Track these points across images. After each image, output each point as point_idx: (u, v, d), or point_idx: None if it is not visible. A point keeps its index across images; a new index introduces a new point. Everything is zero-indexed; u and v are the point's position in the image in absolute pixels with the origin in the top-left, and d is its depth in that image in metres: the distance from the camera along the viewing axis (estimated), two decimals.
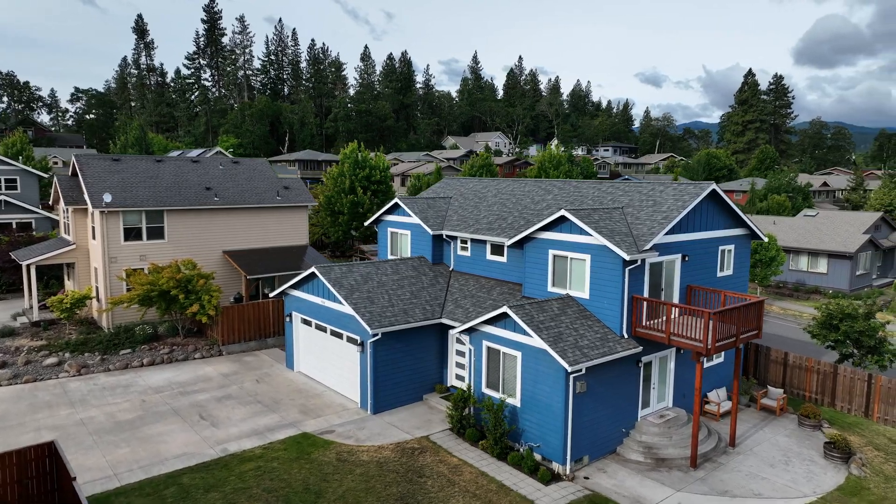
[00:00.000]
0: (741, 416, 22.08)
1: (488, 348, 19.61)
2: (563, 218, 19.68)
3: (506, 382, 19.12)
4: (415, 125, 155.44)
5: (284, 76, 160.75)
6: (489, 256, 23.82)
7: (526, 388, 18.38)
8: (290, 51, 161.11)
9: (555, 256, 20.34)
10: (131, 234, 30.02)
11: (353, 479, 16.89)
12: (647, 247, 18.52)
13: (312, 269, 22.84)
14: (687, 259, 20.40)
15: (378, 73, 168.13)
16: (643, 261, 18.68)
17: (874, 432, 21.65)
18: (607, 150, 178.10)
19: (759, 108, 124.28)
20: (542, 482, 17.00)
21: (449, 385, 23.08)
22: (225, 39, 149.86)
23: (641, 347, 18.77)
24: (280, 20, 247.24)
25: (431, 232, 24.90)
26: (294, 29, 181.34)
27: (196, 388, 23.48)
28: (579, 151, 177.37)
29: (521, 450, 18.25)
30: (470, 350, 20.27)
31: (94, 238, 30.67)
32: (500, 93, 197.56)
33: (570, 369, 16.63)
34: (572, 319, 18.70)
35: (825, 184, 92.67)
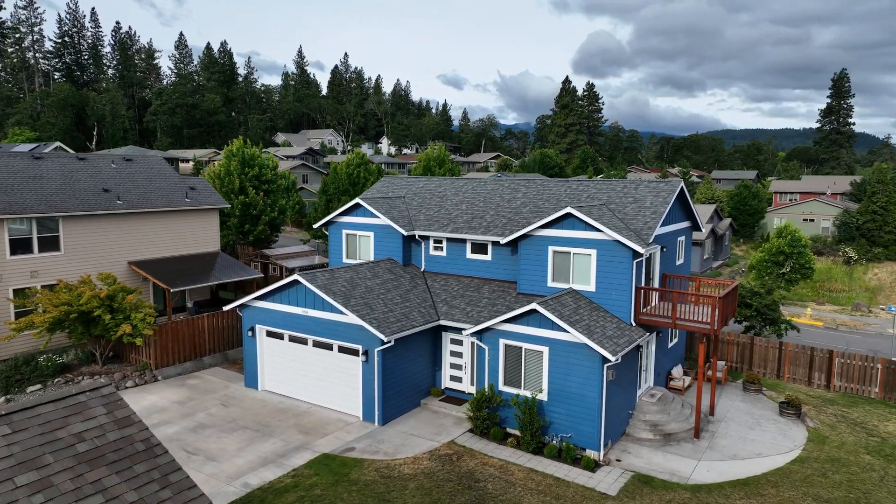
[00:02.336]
0: (696, 388, 24.78)
1: (506, 346, 19.75)
2: (566, 214, 20.45)
3: (528, 378, 19.44)
4: (245, 121, 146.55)
5: (83, 61, 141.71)
6: (469, 255, 23.85)
7: (554, 381, 18.88)
8: (88, 33, 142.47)
9: (555, 252, 21.07)
10: (19, 246, 24.91)
11: (412, 494, 16.08)
12: (651, 240, 20.07)
13: (295, 277, 21.02)
14: (665, 250, 22.40)
15: (196, 63, 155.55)
16: (648, 253, 20.18)
17: (790, 389, 25.62)
18: (435, 150, 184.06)
19: (578, 112, 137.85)
20: (589, 470, 17.68)
21: (444, 387, 22.75)
22: (4, 14, 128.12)
23: (648, 333, 20.28)
24: None
25: (405, 233, 24.22)
26: (94, 8, 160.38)
27: (156, 422, 20.34)
28: (411, 150, 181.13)
29: (554, 442, 18.74)
30: (484, 350, 20.19)
31: None
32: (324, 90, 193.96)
33: (613, 359, 17.50)
34: (588, 312, 19.60)
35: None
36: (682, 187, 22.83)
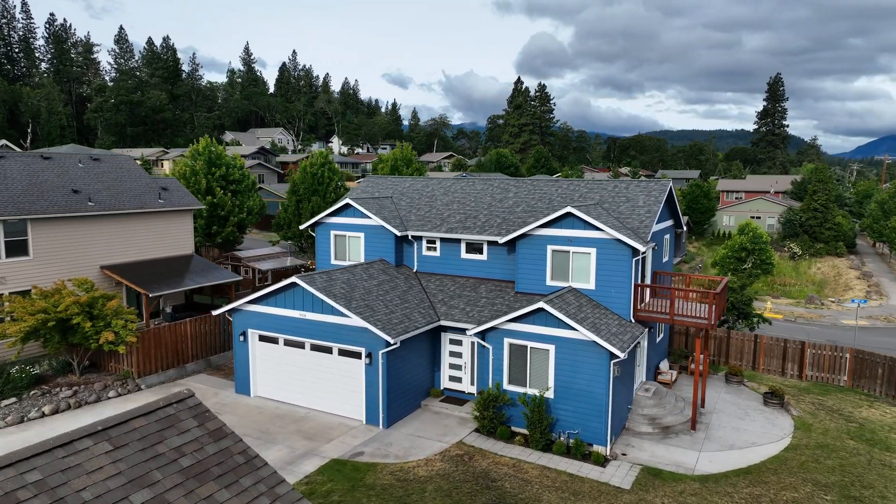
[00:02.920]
0: (681, 381, 25.57)
1: (511, 345, 19.87)
2: (566, 214, 20.72)
3: (533, 377, 19.61)
4: (191, 119, 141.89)
5: (14, 55, 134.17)
6: (464, 255, 23.85)
7: (560, 379, 19.12)
8: (19, 24, 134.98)
9: (554, 251, 21.33)
10: None
11: (432, 496, 15.98)
12: (649, 238, 20.58)
13: (294, 279, 20.53)
14: (655, 248, 23.00)
15: (138, 59, 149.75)
16: (647, 251, 20.68)
17: (766, 380, 26.75)
18: (384, 149, 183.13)
19: (531, 112, 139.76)
20: (599, 465, 17.99)
21: (443, 388, 22.68)
22: None
23: (647, 329, 20.79)
24: None
25: (399, 233, 24.02)
26: None
27: None
28: (363, 150, 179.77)
29: (562, 439, 18.98)
30: (487, 349, 20.24)
31: None
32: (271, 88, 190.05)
33: (622, 356, 17.86)
34: (590, 310, 19.93)
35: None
36: (671, 187, 23.49)
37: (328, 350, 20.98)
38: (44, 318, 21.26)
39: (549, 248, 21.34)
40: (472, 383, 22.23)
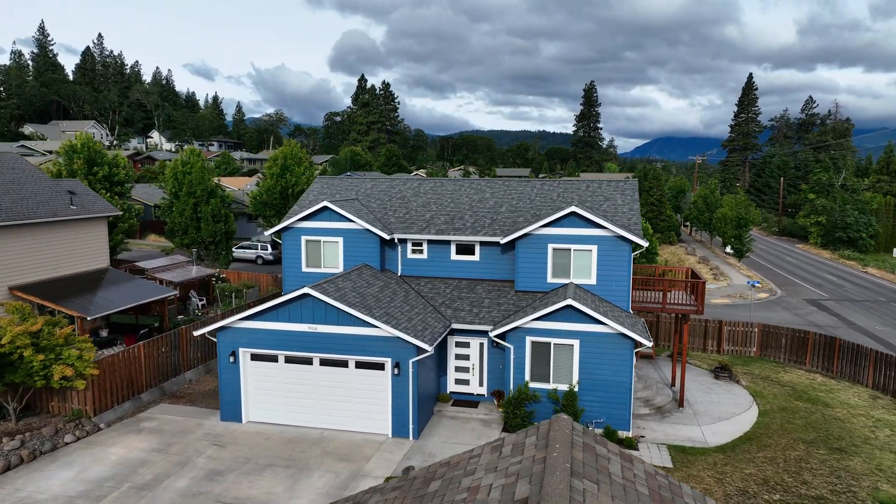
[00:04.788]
0: (641, 363, 27.84)
1: (533, 343, 20.26)
2: (569, 213, 21.57)
3: (556, 372, 20.22)
4: None
5: None
6: (454, 257, 23.67)
7: (585, 371, 19.96)
8: None
9: (554, 249, 22.09)
10: None
11: None
12: (640, 233, 22.19)
13: (305, 290, 18.89)
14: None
15: None
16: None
17: (695, 356, 30.14)
18: (213, 145, 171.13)
19: (378, 110, 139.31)
20: (633, 448, 19.14)
21: (449, 392, 22.34)
22: None
23: (644, 319, 22.39)
24: None
25: (386, 236, 23.11)
26: None
27: (151, 478, 16.79)
28: (192, 146, 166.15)
29: (590, 429, 19.82)
30: (509, 349, 20.41)
31: None
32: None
33: (648, 344, 19.16)
34: (601, 304, 21.03)
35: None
36: (636, 185, 25.46)
37: (342, 364, 19.65)
38: None
39: (550, 246, 22.04)
40: (481, 385, 22.22)
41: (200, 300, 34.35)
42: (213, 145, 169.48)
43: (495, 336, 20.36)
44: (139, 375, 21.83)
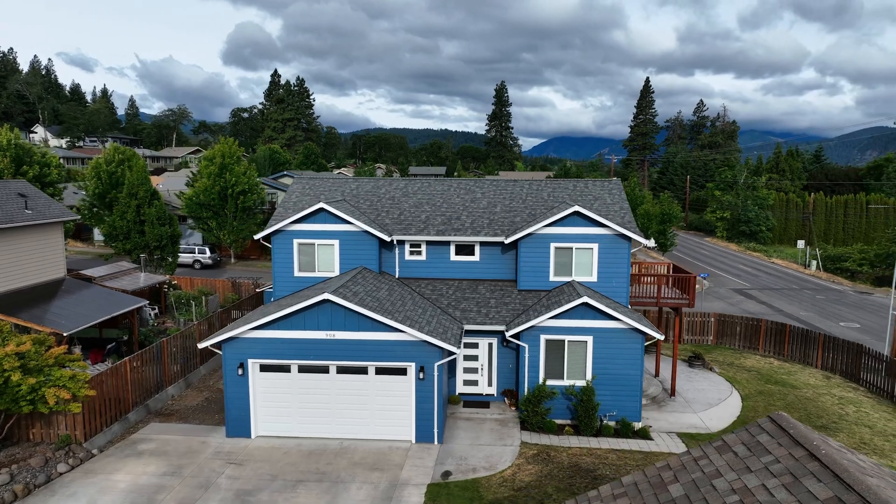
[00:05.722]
0: None
1: (547, 341, 20.56)
2: (572, 212, 22.05)
3: (570, 369, 20.63)
4: None
5: None
6: (454, 257, 23.51)
7: (598, 367, 20.51)
8: None
9: (557, 248, 22.51)
10: None
11: (557, 495, 16.08)
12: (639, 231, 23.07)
13: (325, 296, 18.12)
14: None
15: None
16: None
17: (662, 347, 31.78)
18: (108, 142, 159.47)
19: (294, 107, 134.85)
20: (649, 439, 19.91)
21: (458, 393, 22.18)
22: None
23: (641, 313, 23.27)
24: None
25: (387, 238, 22.59)
26: None
27: (176, 503, 15.54)
28: (83, 143, 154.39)
29: (605, 422, 20.41)
30: (524, 347, 20.59)
31: None
32: None
33: (660, 337, 19.99)
34: (606, 300, 21.67)
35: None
36: (621, 185, 26.41)
37: (361, 371, 19.03)
38: None
39: (553, 245, 22.44)
40: (490, 384, 22.26)
41: (153, 309, 32.02)
42: (107, 141, 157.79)
43: (511, 336, 20.46)
44: (126, 394, 20.07)
